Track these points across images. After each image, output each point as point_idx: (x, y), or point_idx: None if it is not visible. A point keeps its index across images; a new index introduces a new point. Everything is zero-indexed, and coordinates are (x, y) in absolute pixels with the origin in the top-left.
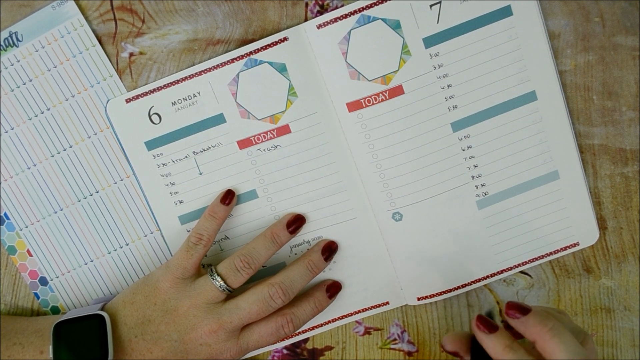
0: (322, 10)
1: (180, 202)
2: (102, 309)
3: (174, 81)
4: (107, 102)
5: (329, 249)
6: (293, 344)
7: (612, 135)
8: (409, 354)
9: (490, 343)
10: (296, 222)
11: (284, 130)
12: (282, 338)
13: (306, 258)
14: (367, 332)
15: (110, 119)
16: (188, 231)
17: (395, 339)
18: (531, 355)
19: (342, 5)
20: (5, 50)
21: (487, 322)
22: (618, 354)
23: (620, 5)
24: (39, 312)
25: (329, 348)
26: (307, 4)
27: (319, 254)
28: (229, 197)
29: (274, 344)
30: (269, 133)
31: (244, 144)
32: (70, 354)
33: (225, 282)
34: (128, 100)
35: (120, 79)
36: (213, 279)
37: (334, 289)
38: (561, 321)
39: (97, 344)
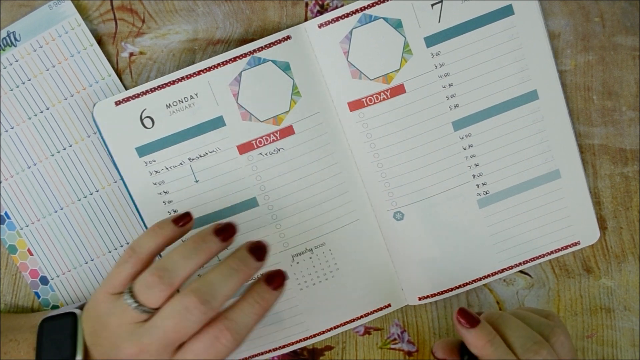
0: (322, 10)
1: (175, 211)
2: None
3: (168, 82)
4: (93, 106)
5: (257, 247)
6: None
7: (612, 135)
8: (409, 354)
9: (471, 338)
10: (227, 230)
11: (288, 131)
12: (229, 351)
13: (229, 256)
14: (367, 332)
15: (97, 123)
16: (183, 242)
17: (395, 339)
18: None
19: (342, 5)
20: (4, 50)
21: (467, 316)
22: (618, 354)
23: (620, 5)
24: (39, 312)
25: (329, 348)
26: (307, 4)
27: (243, 250)
28: (183, 220)
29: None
30: (271, 135)
31: (245, 148)
32: (48, 351)
33: (138, 302)
34: (117, 103)
35: (121, 79)
36: (125, 299)
37: (277, 279)
38: (528, 320)
39: (70, 343)
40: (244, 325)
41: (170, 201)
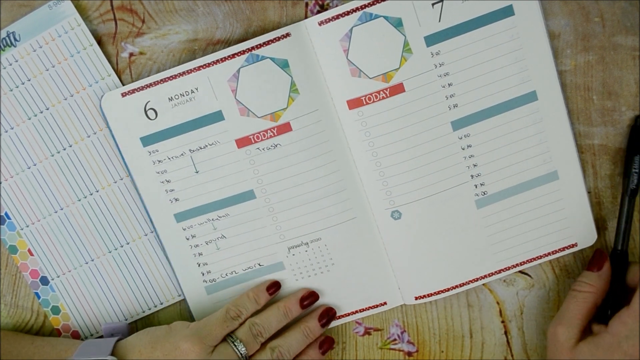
0: (322, 10)
1: (176, 199)
2: (115, 348)
3: (171, 76)
4: (102, 96)
5: (327, 315)
6: None
7: (612, 135)
8: (409, 354)
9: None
10: (309, 298)
11: (285, 128)
12: None
13: (303, 324)
14: (367, 332)
15: (104, 113)
16: (184, 229)
17: (395, 339)
18: None
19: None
20: (4, 50)
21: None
22: None
23: (620, 5)
24: (39, 312)
25: None
26: (307, 4)
27: (315, 321)
28: (274, 288)
29: None
30: (269, 131)
31: (243, 142)
32: None
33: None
34: (124, 94)
35: (120, 79)
36: (235, 347)
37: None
38: None
39: None
40: (294, 352)
41: (172, 190)
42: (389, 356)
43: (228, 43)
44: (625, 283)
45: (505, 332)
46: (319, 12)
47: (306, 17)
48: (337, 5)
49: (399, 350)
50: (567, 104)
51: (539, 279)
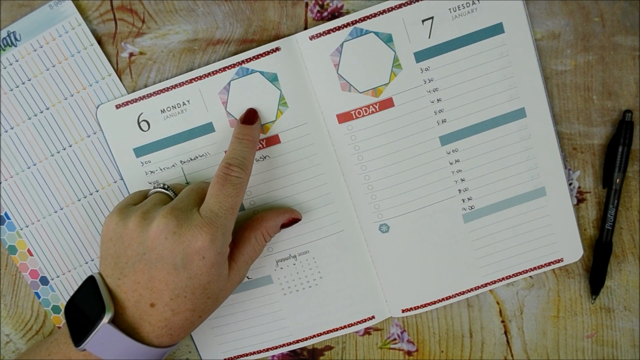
0: (322, 10)
1: None
2: None
3: (163, 89)
4: (97, 107)
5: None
6: None
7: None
8: (409, 353)
9: None
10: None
11: (274, 140)
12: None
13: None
14: (367, 332)
15: (100, 123)
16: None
17: (395, 339)
18: None
19: (342, 6)
20: (4, 50)
21: None
22: (618, 354)
23: (620, 5)
24: (39, 312)
25: (329, 348)
26: (307, 4)
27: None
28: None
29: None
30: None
31: None
32: (79, 321)
33: None
34: (118, 107)
35: (120, 79)
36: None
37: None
38: None
39: (96, 303)
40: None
41: None
42: (389, 356)
43: (228, 43)
44: (605, 271)
45: (505, 332)
46: (318, 12)
47: (306, 17)
48: (336, 6)
49: (399, 350)
50: (567, 104)
51: (538, 278)
